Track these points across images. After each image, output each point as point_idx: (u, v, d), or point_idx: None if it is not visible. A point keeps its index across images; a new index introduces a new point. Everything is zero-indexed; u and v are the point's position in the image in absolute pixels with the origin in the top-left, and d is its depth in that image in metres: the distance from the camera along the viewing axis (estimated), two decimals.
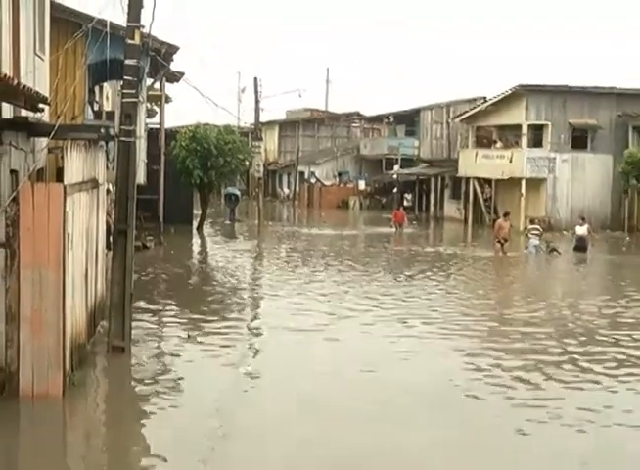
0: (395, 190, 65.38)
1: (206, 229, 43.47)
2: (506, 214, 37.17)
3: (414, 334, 17.71)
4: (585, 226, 35.98)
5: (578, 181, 49.96)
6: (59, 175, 13.46)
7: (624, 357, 15.94)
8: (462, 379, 14.18)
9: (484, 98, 54.49)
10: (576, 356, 15.87)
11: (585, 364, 15.27)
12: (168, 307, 20.23)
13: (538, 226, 37.47)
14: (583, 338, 17.69)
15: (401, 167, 65.32)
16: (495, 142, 53.43)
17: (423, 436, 11.30)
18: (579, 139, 50.40)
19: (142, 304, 19.31)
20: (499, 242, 34.45)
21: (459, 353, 16.05)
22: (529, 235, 36.61)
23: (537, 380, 14.14)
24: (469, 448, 10.90)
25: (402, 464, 10.31)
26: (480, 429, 11.72)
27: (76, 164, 13.74)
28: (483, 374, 14.52)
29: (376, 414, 12.16)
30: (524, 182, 49.39)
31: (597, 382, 14.12)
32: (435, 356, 15.87)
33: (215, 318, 19.10)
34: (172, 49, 31.13)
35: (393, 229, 46.99)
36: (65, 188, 12.15)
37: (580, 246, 35.43)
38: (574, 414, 12.20)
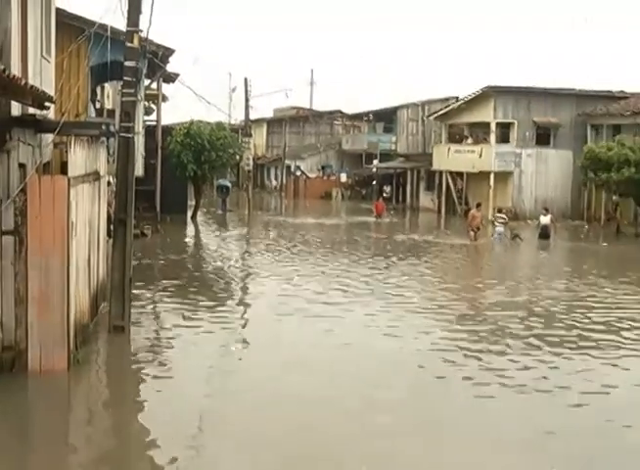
0: (374, 182, 65.46)
1: (200, 218, 43.46)
2: (478, 205, 37.28)
3: (389, 314, 17.82)
4: (548, 216, 36.22)
5: (542, 174, 50.18)
6: (63, 168, 13.47)
7: (578, 337, 16.11)
8: (424, 353, 14.41)
9: (456, 98, 54.59)
10: (535, 336, 16.02)
11: (544, 343, 15.41)
12: (165, 290, 20.24)
13: (504, 215, 37.66)
14: (542, 319, 17.82)
15: (380, 161, 65.41)
16: (466, 138, 53.50)
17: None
18: (543, 136, 50.63)
19: (141, 287, 19.33)
20: (473, 230, 34.60)
21: (426, 330, 16.22)
22: (496, 223, 36.84)
23: (492, 356, 14.31)
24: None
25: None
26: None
27: (80, 157, 13.76)
28: (443, 347, 14.76)
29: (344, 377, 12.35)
30: (492, 175, 49.55)
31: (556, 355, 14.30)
32: (406, 334, 15.92)
33: (208, 299, 19.15)
34: (168, 52, 31.09)
35: (374, 218, 47.02)
36: (69, 180, 12.21)
37: (544, 234, 35.72)
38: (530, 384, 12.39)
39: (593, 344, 15.44)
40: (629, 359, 14.40)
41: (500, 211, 39.21)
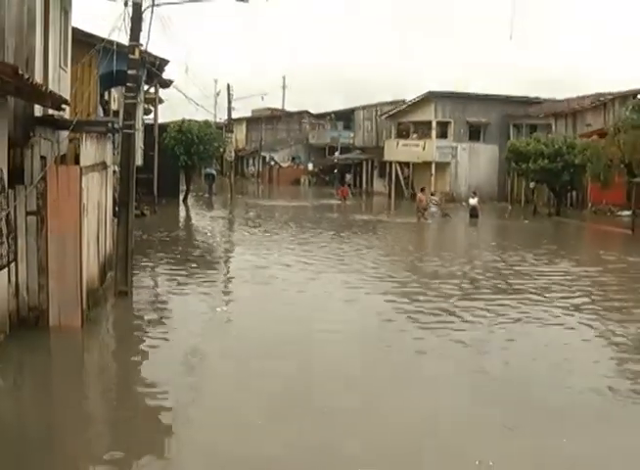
0: (336, 170, 65.61)
1: (190, 201, 43.33)
2: (422, 190, 37.68)
3: (349, 280, 17.90)
4: (476, 198, 36.53)
5: (474, 165, 50.72)
6: (77, 159, 13.47)
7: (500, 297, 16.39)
8: (380, 309, 14.56)
9: (404, 100, 55.00)
10: (467, 298, 16.31)
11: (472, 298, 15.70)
12: (162, 260, 20.27)
13: (437, 197, 38.05)
14: (473, 283, 18.07)
15: (340, 153, 65.60)
16: (412, 134, 53.79)
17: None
18: (474, 133, 51.20)
19: (141, 258, 19.35)
20: (420, 212, 34.81)
21: (377, 292, 16.43)
22: (430, 204, 37.28)
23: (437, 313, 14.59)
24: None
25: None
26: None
27: (90, 150, 13.78)
28: (394, 306, 14.91)
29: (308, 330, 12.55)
30: (433, 165, 49.97)
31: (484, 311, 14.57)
32: (360, 295, 16.14)
33: (198, 267, 19.22)
34: (164, 62, 30.92)
35: (339, 201, 46.74)
36: (81, 169, 12.25)
37: (473, 214, 36.03)
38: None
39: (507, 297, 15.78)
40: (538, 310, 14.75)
41: (433, 193, 39.77)
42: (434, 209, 36.36)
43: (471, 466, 7.55)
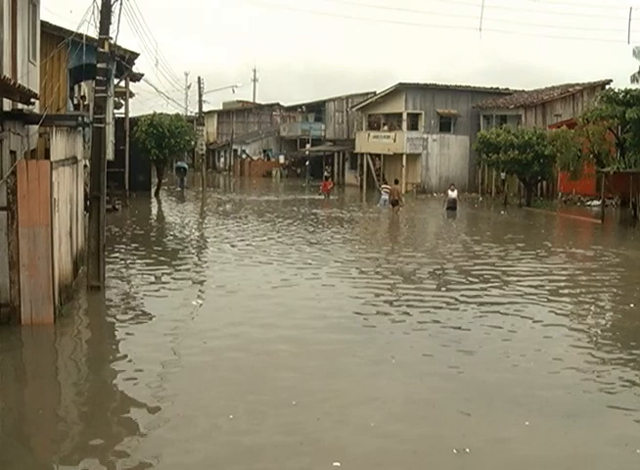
0: (307, 163, 65.53)
1: (162, 195, 43.06)
2: (396, 182, 37.71)
3: (322, 272, 17.91)
4: (455, 191, 36.41)
5: (444, 156, 50.87)
6: (47, 154, 13.36)
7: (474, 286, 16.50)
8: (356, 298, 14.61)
9: (374, 92, 55.02)
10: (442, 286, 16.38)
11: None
12: (134, 255, 20.13)
13: (388, 186, 37.99)
14: (455, 270, 18.18)
15: (312, 146, 65.53)
16: (383, 126, 53.85)
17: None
18: (445, 124, 51.31)
19: (114, 252, 19.21)
20: (392, 203, 34.73)
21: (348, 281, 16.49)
22: (382, 192, 37.41)
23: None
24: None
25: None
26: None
27: (60, 144, 13.66)
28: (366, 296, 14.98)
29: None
30: (404, 156, 50.02)
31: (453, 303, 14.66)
32: (332, 282, 16.16)
33: (170, 261, 19.12)
34: (134, 55, 30.70)
35: (321, 197, 44.45)
36: (51, 164, 12.17)
37: (452, 206, 35.68)
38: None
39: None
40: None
41: (385, 182, 39.94)
42: (385, 197, 36.23)
43: None
